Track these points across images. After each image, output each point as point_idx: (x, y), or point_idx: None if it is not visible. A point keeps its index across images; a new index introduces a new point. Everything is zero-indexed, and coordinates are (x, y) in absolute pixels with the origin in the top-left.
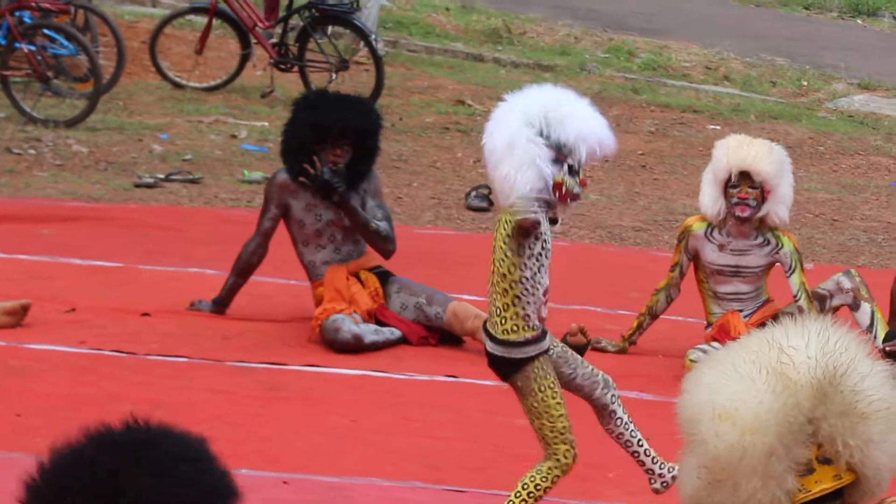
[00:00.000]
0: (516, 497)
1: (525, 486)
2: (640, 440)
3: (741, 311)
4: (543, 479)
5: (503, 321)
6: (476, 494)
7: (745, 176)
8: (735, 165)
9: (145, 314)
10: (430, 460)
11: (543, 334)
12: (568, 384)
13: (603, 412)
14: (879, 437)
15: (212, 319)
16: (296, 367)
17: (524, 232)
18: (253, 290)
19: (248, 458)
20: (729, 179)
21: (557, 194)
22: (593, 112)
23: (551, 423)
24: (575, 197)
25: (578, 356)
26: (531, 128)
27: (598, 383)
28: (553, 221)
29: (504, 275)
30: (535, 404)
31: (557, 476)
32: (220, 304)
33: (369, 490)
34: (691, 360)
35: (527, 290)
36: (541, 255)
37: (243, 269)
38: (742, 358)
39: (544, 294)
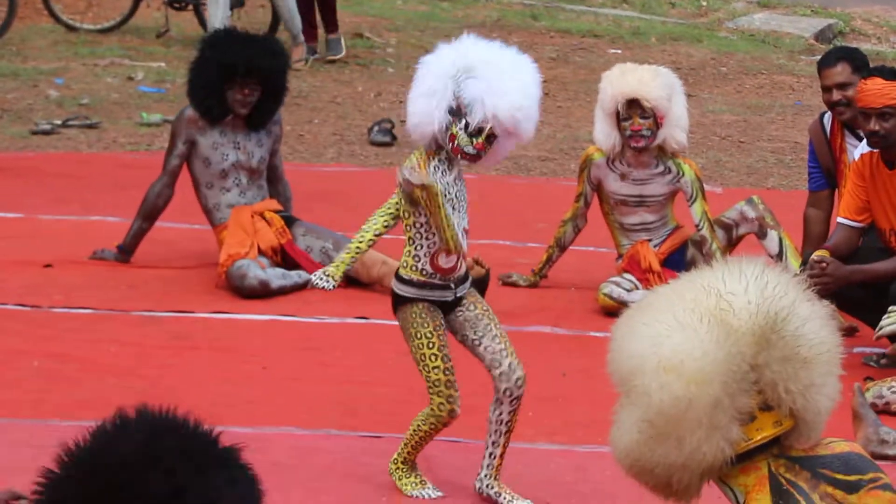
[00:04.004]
0: (408, 437)
1: (413, 428)
2: (498, 445)
3: (650, 240)
4: (423, 423)
5: (404, 256)
6: (392, 439)
7: (633, 105)
8: (620, 94)
9: (48, 265)
10: (344, 406)
11: (430, 285)
12: (472, 349)
13: (496, 393)
14: (820, 381)
15: (116, 268)
16: (203, 315)
17: (403, 193)
18: (157, 236)
19: None
20: (619, 111)
21: (451, 145)
22: (515, 83)
23: (426, 372)
24: (465, 155)
25: (494, 328)
26: (449, 75)
27: (499, 366)
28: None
29: (402, 216)
30: (412, 349)
31: (433, 424)
32: (125, 252)
33: (284, 439)
34: (605, 294)
35: (420, 233)
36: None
37: (149, 213)
38: (681, 307)
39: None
